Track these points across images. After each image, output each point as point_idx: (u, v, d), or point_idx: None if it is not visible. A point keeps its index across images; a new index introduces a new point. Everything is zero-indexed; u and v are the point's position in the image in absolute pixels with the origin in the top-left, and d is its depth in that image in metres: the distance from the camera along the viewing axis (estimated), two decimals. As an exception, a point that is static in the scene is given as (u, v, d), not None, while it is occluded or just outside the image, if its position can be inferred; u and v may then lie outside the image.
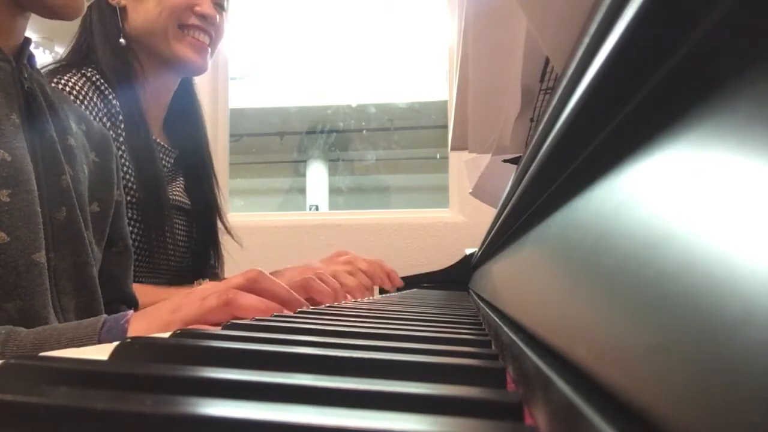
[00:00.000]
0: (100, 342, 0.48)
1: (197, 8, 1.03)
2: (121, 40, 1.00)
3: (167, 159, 1.10)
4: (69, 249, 0.63)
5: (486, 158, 0.89)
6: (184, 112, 1.14)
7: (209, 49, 1.07)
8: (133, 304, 0.81)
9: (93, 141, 0.75)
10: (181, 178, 1.13)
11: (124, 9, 1.02)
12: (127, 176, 0.96)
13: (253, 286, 0.54)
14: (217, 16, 1.07)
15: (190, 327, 0.48)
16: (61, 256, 0.62)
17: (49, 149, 0.63)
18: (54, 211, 0.62)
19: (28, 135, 0.61)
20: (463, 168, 1.77)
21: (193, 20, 1.03)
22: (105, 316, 0.51)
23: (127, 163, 0.96)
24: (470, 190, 1.11)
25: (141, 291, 0.88)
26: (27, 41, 0.64)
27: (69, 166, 0.65)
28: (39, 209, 0.58)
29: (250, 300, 0.52)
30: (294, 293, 0.58)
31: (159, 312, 0.52)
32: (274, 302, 0.53)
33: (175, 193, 1.10)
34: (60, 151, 0.64)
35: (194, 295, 0.53)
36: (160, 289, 1.00)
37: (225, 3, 1.10)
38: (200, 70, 1.08)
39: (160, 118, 1.11)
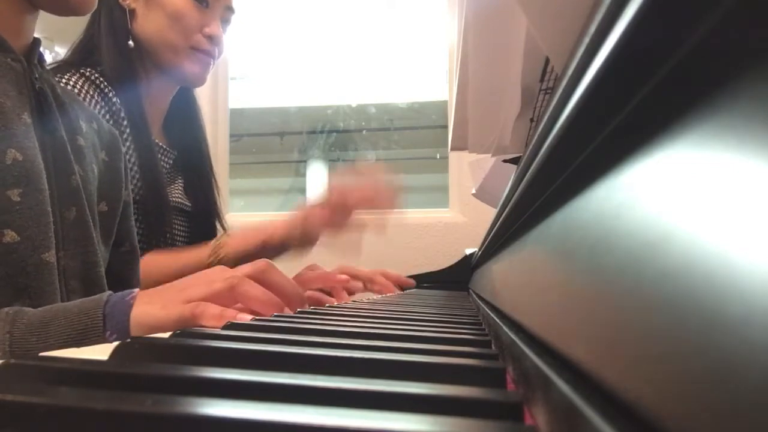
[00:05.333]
0: (104, 315, 0.48)
1: (206, 29, 1.05)
2: (130, 42, 1.01)
3: (166, 160, 1.11)
4: (79, 248, 0.63)
5: (490, 160, 0.89)
6: (183, 113, 1.15)
7: (212, 62, 1.10)
8: None
9: (103, 140, 0.76)
10: (181, 180, 1.14)
11: (133, 12, 1.02)
12: (130, 176, 0.96)
13: (260, 276, 0.54)
14: (222, 34, 1.09)
15: (194, 323, 0.49)
16: (71, 255, 0.62)
17: (60, 149, 0.63)
18: (64, 210, 0.62)
19: (39, 134, 0.61)
20: (464, 168, 1.77)
21: (204, 44, 1.05)
22: (110, 292, 0.52)
23: (132, 161, 0.97)
24: (473, 191, 1.11)
25: (159, 260, 0.88)
26: (37, 41, 0.65)
27: (79, 165, 0.66)
28: (49, 209, 0.58)
29: (254, 290, 0.52)
30: (299, 289, 0.58)
31: (165, 290, 0.52)
32: (277, 297, 0.54)
33: (174, 194, 1.10)
34: (70, 150, 0.64)
35: (202, 278, 0.53)
36: (177, 255, 0.99)
37: (231, 17, 1.11)
38: (200, 83, 1.11)
39: (159, 119, 1.11)
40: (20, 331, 0.47)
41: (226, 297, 0.51)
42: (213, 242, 1.00)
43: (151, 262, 0.90)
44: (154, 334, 0.49)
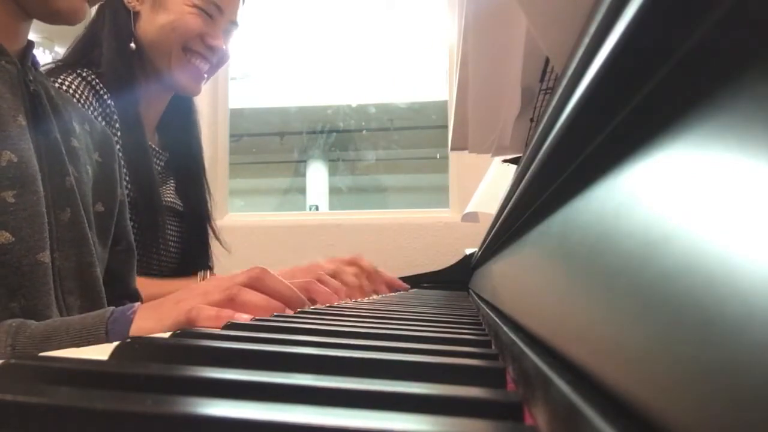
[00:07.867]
0: (107, 332, 0.49)
1: (208, 39, 1.04)
2: (132, 45, 1.01)
3: (158, 162, 1.11)
4: (73, 249, 0.63)
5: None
6: (179, 116, 1.15)
7: (206, 76, 1.09)
8: (138, 301, 0.81)
9: (96, 141, 0.76)
10: (172, 180, 1.14)
11: (138, 14, 1.02)
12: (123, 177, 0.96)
13: (256, 284, 0.54)
14: (224, 46, 1.08)
15: (190, 327, 0.48)
16: (65, 256, 0.62)
17: (54, 150, 0.63)
18: (58, 211, 0.62)
19: (33, 136, 0.61)
20: (463, 168, 1.77)
21: (200, 48, 1.05)
22: (112, 307, 0.52)
23: (123, 164, 0.97)
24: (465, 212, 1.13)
25: (145, 283, 0.89)
26: (30, 44, 0.65)
27: (73, 167, 0.66)
28: (44, 210, 0.59)
29: (253, 297, 0.52)
30: (297, 292, 0.57)
31: (162, 304, 0.53)
32: (276, 301, 0.53)
33: (167, 194, 1.10)
34: (64, 152, 0.65)
35: (198, 289, 0.53)
36: (165, 282, 1.00)
37: (234, 29, 1.11)
38: (192, 94, 1.10)
39: (154, 122, 1.11)
40: (22, 344, 0.47)
41: (225, 308, 0.50)
42: (200, 275, 1.02)
43: (141, 283, 0.89)
44: None
